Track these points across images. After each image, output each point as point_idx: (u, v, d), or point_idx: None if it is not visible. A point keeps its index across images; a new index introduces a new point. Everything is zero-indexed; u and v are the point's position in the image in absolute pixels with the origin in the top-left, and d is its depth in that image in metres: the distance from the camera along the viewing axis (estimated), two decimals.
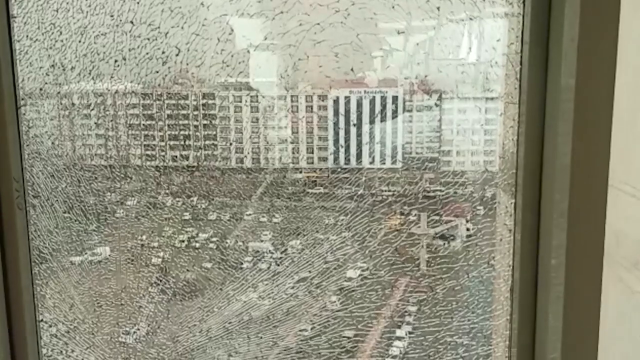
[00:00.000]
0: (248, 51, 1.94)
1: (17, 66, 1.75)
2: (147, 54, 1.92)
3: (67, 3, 1.88)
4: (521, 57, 1.60)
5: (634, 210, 1.31)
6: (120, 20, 1.88)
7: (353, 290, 2.22)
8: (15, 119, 1.76)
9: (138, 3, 1.83)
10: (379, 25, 1.86)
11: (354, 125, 2.23)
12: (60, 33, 1.93)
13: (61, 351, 2.16)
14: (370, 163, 2.22)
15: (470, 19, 1.82)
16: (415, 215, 2.17)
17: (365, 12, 1.79)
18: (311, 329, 2.26)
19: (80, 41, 1.94)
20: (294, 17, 1.81)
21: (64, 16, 1.91)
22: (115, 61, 1.95)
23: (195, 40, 1.89)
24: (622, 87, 1.38)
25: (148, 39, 1.90)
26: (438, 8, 1.77)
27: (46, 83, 2.00)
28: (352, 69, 1.93)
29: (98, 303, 2.24)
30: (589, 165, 1.44)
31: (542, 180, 1.60)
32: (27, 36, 1.89)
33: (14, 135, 1.76)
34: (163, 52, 1.91)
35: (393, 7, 1.76)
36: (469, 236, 2.12)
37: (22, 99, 1.82)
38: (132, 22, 1.88)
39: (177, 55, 1.91)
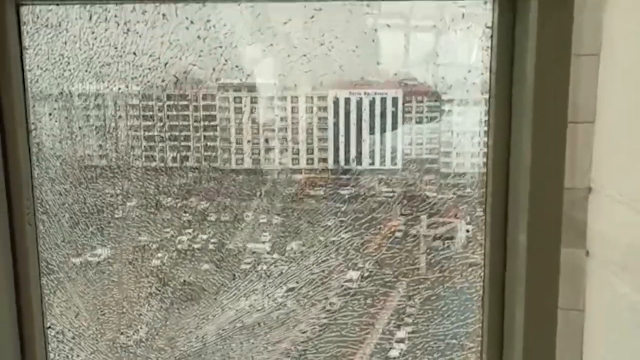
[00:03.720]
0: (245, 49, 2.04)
1: (28, 93, 1.87)
2: (148, 82, 2.06)
3: (75, 36, 2.01)
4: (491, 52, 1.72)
5: (621, 216, 1.37)
6: (124, 52, 2.02)
7: (351, 290, 2.22)
8: (26, 142, 1.88)
9: (140, 36, 1.98)
10: (378, 21, 1.95)
11: (354, 126, 2.21)
12: (69, 63, 2.07)
13: (67, 356, 2.27)
14: (370, 164, 2.20)
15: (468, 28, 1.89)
16: (415, 216, 2.16)
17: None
18: (310, 329, 2.24)
19: (86, 70, 2.07)
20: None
21: (71, 48, 2.03)
22: (119, 88, 2.09)
23: (192, 70, 2.04)
24: (605, 88, 1.44)
25: (149, 69, 2.05)
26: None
27: (55, 109, 2.13)
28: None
29: (102, 307, 2.28)
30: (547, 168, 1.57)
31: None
32: (37, 66, 2.02)
33: (25, 158, 1.87)
34: (163, 81, 2.07)
35: None
36: (468, 237, 2.14)
37: (33, 123, 1.95)
38: (134, 53, 2.02)
39: (175, 83, 2.06)
